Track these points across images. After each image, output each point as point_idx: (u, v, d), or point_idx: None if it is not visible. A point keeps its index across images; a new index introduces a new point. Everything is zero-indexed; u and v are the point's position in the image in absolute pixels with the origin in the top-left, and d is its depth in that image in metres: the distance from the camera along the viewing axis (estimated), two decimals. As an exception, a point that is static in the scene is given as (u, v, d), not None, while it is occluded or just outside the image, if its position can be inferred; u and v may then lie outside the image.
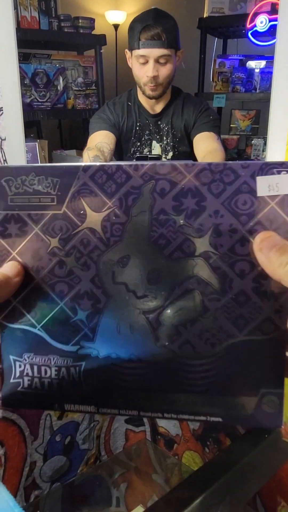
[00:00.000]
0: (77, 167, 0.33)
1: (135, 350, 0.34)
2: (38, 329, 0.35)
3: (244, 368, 0.33)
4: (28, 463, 0.33)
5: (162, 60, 1.18)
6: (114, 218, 0.33)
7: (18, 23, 1.89)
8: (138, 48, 1.16)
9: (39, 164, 0.34)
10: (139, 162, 0.32)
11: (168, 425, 0.37)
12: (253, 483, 0.31)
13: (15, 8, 1.85)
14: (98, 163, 0.33)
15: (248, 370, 0.33)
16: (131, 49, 1.19)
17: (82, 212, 0.34)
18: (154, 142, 1.34)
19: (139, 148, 1.34)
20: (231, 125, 2.52)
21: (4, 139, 0.97)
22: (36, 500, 0.30)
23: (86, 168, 0.33)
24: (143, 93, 1.26)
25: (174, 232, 0.33)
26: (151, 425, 0.37)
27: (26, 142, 1.27)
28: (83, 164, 0.32)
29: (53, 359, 0.35)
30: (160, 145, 1.32)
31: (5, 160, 0.97)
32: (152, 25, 1.15)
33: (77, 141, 2.90)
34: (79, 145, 1.51)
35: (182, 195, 0.32)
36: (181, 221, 0.33)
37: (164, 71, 1.20)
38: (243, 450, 0.34)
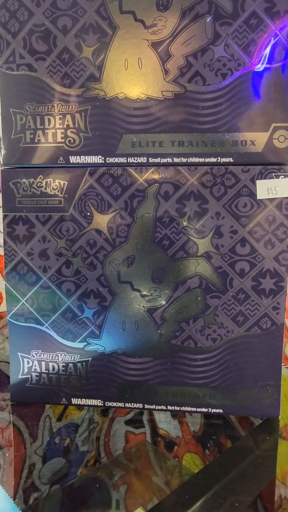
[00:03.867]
0: (83, 170, 0.33)
1: (140, 346, 0.35)
2: (46, 327, 0.36)
3: (243, 362, 0.34)
4: (27, 465, 0.33)
5: None
6: (119, 219, 0.34)
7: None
8: None
9: (47, 166, 0.34)
10: (143, 165, 0.33)
11: (168, 427, 0.37)
12: (254, 486, 0.31)
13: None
14: (104, 167, 0.33)
15: (247, 364, 0.34)
16: None
17: (88, 214, 0.34)
18: None
19: None
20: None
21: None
22: (35, 503, 0.29)
23: (92, 172, 0.33)
24: None
25: (177, 233, 0.34)
26: (151, 426, 0.37)
27: None
28: (89, 167, 0.33)
29: (61, 355, 0.35)
30: None
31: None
32: None
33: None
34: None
35: (185, 198, 0.33)
36: (184, 222, 0.33)
37: None
38: (244, 453, 0.34)
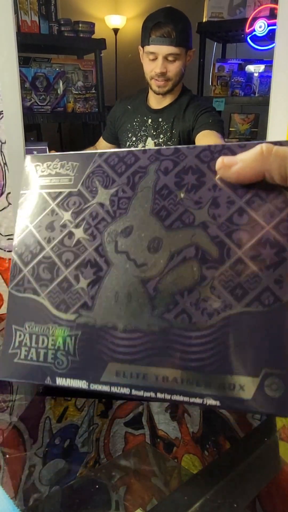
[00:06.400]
0: (94, 153, 0.36)
1: (131, 320, 0.33)
2: (42, 297, 0.36)
3: (243, 343, 0.30)
4: (27, 466, 0.33)
5: (170, 58, 1.19)
6: (121, 193, 0.35)
7: (18, 27, 1.90)
8: (148, 45, 1.17)
9: (64, 152, 0.38)
10: (147, 148, 0.35)
11: (167, 428, 0.37)
12: (252, 487, 0.31)
13: (16, 12, 1.86)
14: (112, 150, 0.36)
15: (247, 345, 0.30)
16: (142, 46, 1.21)
17: (94, 189, 0.36)
18: (149, 139, 1.34)
19: (134, 144, 1.35)
20: (230, 129, 2.54)
21: (4, 142, 0.97)
22: (35, 504, 0.29)
23: (101, 154, 0.36)
24: (151, 88, 1.28)
25: (175, 205, 0.34)
26: (150, 428, 0.37)
27: (34, 145, 1.29)
28: (99, 151, 0.36)
29: (52, 328, 0.35)
30: (155, 142, 1.32)
31: (5, 164, 0.97)
32: (162, 22, 1.16)
33: (76, 144, 2.90)
34: (79, 148, 1.52)
35: (184, 172, 0.34)
36: (182, 194, 0.34)
37: (172, 67, 1.21)
38: (243, 454, 0.34)
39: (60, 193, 0.37)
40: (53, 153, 0.40)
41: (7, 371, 0.36)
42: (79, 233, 0.35)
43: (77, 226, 0.36)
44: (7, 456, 0.34)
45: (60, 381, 0.34)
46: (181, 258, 0.33)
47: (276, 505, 0.30)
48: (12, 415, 0.38)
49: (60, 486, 0.31)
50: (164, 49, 1.16)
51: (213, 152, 0.33)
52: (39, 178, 0.38)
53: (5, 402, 0.39)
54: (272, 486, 0.32)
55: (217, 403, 0.30)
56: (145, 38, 1.18)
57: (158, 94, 1.25)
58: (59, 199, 0.37)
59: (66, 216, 0.36)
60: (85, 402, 0.40)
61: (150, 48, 1.17)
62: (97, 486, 0.31)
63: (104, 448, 0.34)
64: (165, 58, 1.18)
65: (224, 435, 0.36)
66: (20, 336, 0.35)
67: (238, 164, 0.30)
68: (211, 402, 0.30)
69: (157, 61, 1.18)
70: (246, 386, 0.30)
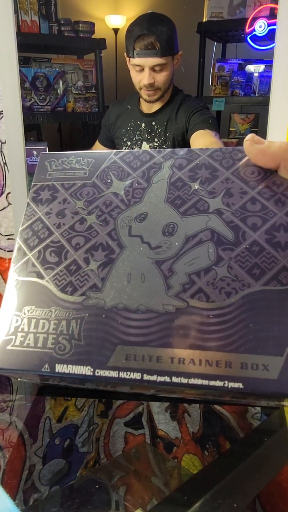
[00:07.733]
0: (110, 152, 0.38)
1: (144, 300, 0.32)
2: (46, 280, 0.34)
3: (264, 321, 0.29)
4: (27, 466, 0.33)
5: (157, 68, 1.18)
6: (136, 184, 0.37)
7: (18, 27, 1.90)
8: (133, 57, 1.16)
9: (80, 151, 0.40)
10: (161, 149, 0.37)
11: (167, 428, 0.37)
12: (252, 487, 0.31)
13: (16, 12, 1.85)
14: (126, 150, 0.38)
15: (269, 323, 0.29)
16: (127, 56, 1.20)
17: (109, 181, 0.37)
18: (144, 143, 1.34)
19: (129, 148, 1.35)
20: (230, 129, 2.54)
21: (4, 142, 0.97)
22: (35, 503, 0.30)
23: (117, 152, 0.38)
24: (141, 96, 1.28)
25: (189, 195, 0.35)
26: (150, 428, 0.37)
27: (34, 145, 1.30)
28: (115, 150, 0.38)
29: (55, 311, 0.33)
30: (150, 146, 1.32)
31: (5, 164, 0.97)
32: (146, 34, 1.13)
33: (76, 144, 2.90)
34: (79, 148, 1.52)
35: (197, 168, 0.36)
36: (196, 186, 0.35)
37: (160, 77, 1.19)
38: (243, 453, 0.34)
39: (74, 184, 0.38)
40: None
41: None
42: (91, 219, 0.36)
43: (89, 213, 0.36)
44: (7, 456, 0.34)
45: (60, 368, 0.30)
46: (196, 241, 0.33)
47: (276, 505, 0.30)
48: (12, 415, 0.38)
49: (60, 486, 0.31)
50: (150, 61, 1.14)
51: (224, 153, 0.36)
52: (53, 172, 0.39)
53: (5, 402, 0.39)
54: (272, 486, 0.32)
55: (240, 385, 0.28)
56: (130, 50, 1.16)
57: (148, 102, 1.24)
58: (72, 189, 0.38)
59: (79, 204, 0.37)
60: (85, 402, 0.40)
61: (135, 60, 1.15)
62: (97, 486, 0.31)
63: (104, 448, 0.34)
64: (152, 69, 1.16)
65: (224, 435, 0.36)
66: (17, 321, 0.33)
67: (264, 144, 0.33)
68: (233, 385, 0.28)
69: (144, 72, 1.16)
70: (270, 366, 0.28)
